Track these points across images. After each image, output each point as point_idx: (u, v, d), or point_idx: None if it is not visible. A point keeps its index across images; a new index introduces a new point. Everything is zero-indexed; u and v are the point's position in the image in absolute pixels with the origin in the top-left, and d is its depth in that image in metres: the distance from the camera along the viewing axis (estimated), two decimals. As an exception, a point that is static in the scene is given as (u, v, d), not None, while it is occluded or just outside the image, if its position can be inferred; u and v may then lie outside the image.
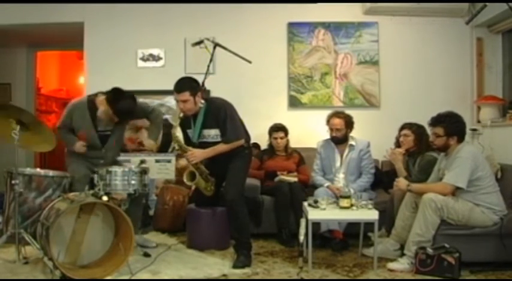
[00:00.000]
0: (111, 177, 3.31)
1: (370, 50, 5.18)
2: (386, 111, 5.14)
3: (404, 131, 4.13)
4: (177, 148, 3.74)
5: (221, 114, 3.57)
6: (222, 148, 3.58)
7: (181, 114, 3.59)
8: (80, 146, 3.69)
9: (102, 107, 3.59)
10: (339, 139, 4.28)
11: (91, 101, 3.68)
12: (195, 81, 3.61)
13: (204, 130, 3.63)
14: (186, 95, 3.50)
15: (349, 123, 4.27)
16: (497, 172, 3.90)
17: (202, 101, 3.62)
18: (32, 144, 3.50)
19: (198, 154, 3.57)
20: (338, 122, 4.25)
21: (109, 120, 3.65)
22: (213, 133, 3.63)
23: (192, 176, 3.65)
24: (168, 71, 5.07)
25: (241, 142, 3.64)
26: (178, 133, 3.70)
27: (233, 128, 3.58)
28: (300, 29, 5.20)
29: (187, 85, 3.53)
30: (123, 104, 3.52)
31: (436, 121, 3.53)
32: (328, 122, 4.30)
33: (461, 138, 3.49)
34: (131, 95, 3.59)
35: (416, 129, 4.08)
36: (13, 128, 3.24)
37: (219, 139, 3.61)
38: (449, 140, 3.48)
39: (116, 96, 3.53)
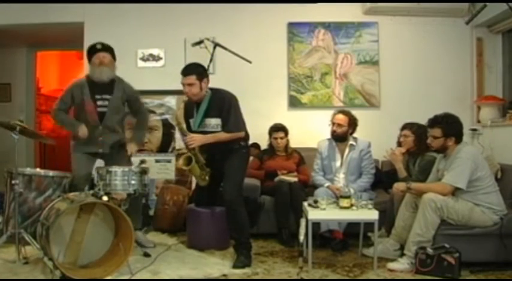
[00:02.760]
0: (111, 177, 3.31)
1: (370, 50, 5.17)
2: (386, 111, 5.14)
3: (405, 132, 4.13)
4: (178, 129, 3.73)
5: (225, 104, 3.59)
6: (222, 135, 3.57)
7: (186, 99, 3.61)
8: (83, 131, 3.69)
9: (95, 65, 3.76)
10: (338, 136, 4.28)
11: (87, 77, 3.85)
12: (202, 67, 3.66)
13: (206, 119, 3.64)
14: (192, 79, 3.53)
15: (352, 122, 4.29)
16: (497, 172, 3.90)
17: (208, 90, 3.63)
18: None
19: (197, 138, 3.56)
20: (342, 117, 4.27)
21: (105, 76, 3.75)
22: (213, 122, 3.63)
23: (188, 161, 3.62)
24: (168, 71, 5.06)
25: (242, 134, 3.64)
26: (180, 117, 3.70)
27: (235, 119, 3.59)
28: (300, 29, 5.19)
29: (194, 69, 3.58)
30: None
31: (433, 122, 3.52)
32: (333, 117, 4.32)
33: (459, 139, 3.48)
34: None
35: (416, 129, 4.07)
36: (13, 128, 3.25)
37: (219, 129, 3.61)
38: (447, 141, 3.47)
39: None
